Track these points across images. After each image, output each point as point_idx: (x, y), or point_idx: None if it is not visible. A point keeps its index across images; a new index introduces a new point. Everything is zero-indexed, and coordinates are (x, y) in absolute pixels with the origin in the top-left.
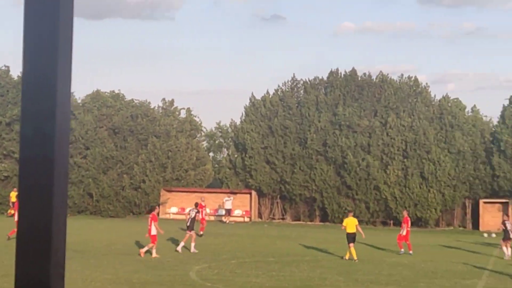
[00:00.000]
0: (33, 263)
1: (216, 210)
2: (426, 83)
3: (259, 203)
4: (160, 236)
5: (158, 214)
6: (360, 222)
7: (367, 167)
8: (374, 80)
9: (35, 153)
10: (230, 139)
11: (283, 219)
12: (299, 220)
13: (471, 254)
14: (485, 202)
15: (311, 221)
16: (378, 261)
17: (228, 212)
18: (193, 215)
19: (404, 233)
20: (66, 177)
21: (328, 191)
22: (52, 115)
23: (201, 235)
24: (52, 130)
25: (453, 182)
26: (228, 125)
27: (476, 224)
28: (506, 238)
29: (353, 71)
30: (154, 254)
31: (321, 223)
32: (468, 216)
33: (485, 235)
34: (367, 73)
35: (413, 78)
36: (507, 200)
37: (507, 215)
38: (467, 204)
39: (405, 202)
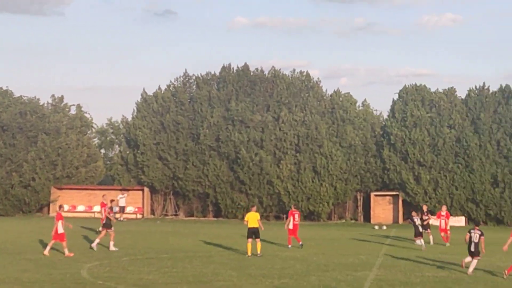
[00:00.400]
0: None
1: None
2: (318, 78)
3: (151, 199)
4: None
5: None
6: None
7: (260, 162)
8: (267, 75)
9: None
10: (121, 135)
11: (176, 215)
12: (192, 216)
13: (363, 247)
14: (376, 195)
15: (204, 216)
16: (271, 255)
17: (122, 209)
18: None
19: (291, 226)
20: None
21: (221, 187)
22: None
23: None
24: None
25: (345, 176)
26: (119, 122)
27: (367, 217)
28: (417, 234)
29: (246, 66)
30: (66, 253)
31: (215, 219)
32: (360, 209)
33: (376, 227)
34: (260, 68)
35: (305, 73)
36: (397, 193)
37: (415, 211)
38: (358, 197)
39: (298, 196)
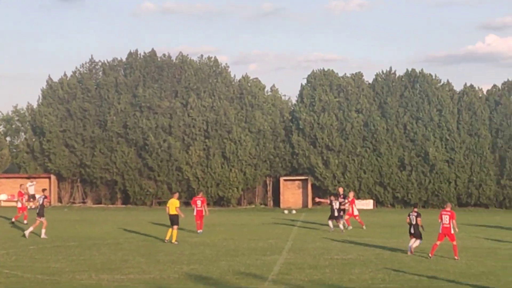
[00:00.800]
0: None
1: (14, 196)
2: (226, 64)
3: (58, 187)
4: None
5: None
6: (162, 203)
7: (169, 148)
8: (174, 61)
9: None
10: (27, 123)
11: (84, 202)
12: (100, 203)
13: (272, 231)
14: (285, 180)
15: (112, 204)
16: (180, 241)
17: (33, 197)
18: (41, 202)
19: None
20: None
21: (130, 173)
22: None
23: (13, 222)
24: None
25: (254, 161)
26: (25, 109)
27: (277, 201)
28: (332, 217)
29: (153, 52)
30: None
31: (123, 206)
32: (269, 193)
33: (286, 211)
34: (167, 54)
35: (213, 59)
36: (306, 177)
37: (335, 196)
38: (268, 182)
39: (207, 182)
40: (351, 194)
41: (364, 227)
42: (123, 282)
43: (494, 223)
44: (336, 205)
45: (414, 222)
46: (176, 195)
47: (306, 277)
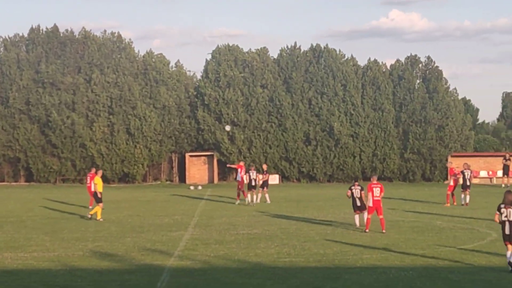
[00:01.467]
0: None
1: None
2: (130, 39)
3: None
4: None
5: None
6: (66, 180)
7: (72, 125)
8: (77, 36)
9: None
10: None
11: None
12: (3, 181)
13: (178, 207)
14: (191, 156)
15: (15, 181)
16: (85, 218)
17: None
18: None
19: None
20: None
21: (33, 151)
22: None
23: None
24: None
25: (159, 137)
26: None
27: (182, 177)
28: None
29: (55, 27)
30: None
31: (26, 183)
32: (175, 169)
33: (192, 187)
34: (70, 30)
35: (116, 34)
36: (212, 153)
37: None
38: (173, 158)
39: (112, 159)
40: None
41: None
42: (27, 260)
43: (398, 196)
44: (252, 175)
45: (358, 196)
46: (100, 172)
47: (212, 253)
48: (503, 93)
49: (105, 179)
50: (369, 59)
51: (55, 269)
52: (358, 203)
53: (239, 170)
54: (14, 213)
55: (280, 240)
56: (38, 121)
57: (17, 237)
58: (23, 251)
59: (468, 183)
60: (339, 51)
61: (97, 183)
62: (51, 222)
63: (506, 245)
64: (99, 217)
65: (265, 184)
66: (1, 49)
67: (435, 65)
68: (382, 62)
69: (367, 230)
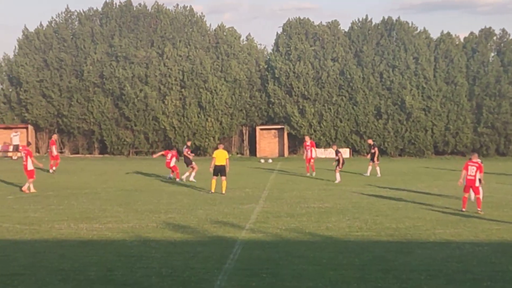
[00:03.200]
0: None
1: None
2: (201, 13)
3: (36, 137)
4: None
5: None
6: (140, 153)
7: (145, 98)
8: (150, 10)
9: None
10: (4, 73)
11: (61, 152)
12: (78, 153)
13: (249, 180)
14: (261, 129)
15: (90, 153)
16: (158, 190)
17: (16, 147)
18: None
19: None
20: None
21: (107, 123)
22: None
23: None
24: None
25: (230, 110)
26: (1, 59)
27: (253, 151)
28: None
29: (128, 1)
30: (32, 189)
31: (100, 156)
32: (246, 143)
33: (262, 161)
34: (143, 3)
35: (188, 8)
36: (282, 126)
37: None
38: (244, 131)
39: (184, 132)
40: (307, 138)
41: (314, 174)
42: (102, 231)
43: None
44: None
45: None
46: (222, 145)
47: (283, 225)
48: None
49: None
50: (442, 32)
51: (129, 240)
52: (477, 183)
53: (309, 146)
54: (89, 185)
55: (352, 214)
56: (112, 94)
57: (92, 208)
58: (98, 222)
59: None
60: (411, 24)
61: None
62: (124, 194)
63: None
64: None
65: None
66: (76, 23)
67: (510, 37)
68: (455, 35)
69: (463, 209)
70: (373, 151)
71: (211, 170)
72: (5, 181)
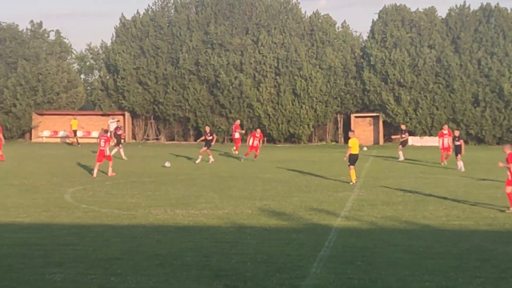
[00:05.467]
0: None
1: (89, 133)
2: (297, 0)
3: (132, 124)
4: (34, 159)
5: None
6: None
7: (240, 85)
8: None
9: None
10: (101, 60)
11: (157, 139)
12: (173, 140)
13: (344, 168)
14: (356, 117)
15: (185, 140)
16: (252, 177)
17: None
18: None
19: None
20: None
21: (202, 111)
22: None
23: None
24: None
25: (325, 98)
26: (98, 47)
27: (348, 138)
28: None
29: None
30: (110, 173)
31: (195, 143)
32: (340, 130)
33: None
34: None
35: None
36: (377, 114)
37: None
38: (338, 119)
39: (278, 119)
40: (446, 127)
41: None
42: (197, 217)
43: None
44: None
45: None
46: (353, 133)
47: (378, 214)
48: None
49: (271, 139)
50: None
51: (225, 226)
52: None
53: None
54: (184, 171)
55: (449, 203)
56: (207, 81)
57: (187, 194)
58: (193, 208)
59: None
60: (510, 10)
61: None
62: (219, 181)
63: None
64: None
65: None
66: (172, 11)
67: None
68: None
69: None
70: (404, 136)
71: (346, 159)
72: (100, 168)
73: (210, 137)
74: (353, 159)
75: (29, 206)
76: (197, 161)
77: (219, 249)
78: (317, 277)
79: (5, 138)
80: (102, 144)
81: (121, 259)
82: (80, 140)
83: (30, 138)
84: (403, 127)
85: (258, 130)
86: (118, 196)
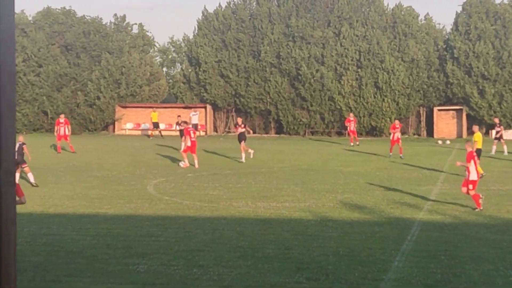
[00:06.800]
0: None
1: (171, 125)
2: None
3: (214, 116)
4: (117, 151)
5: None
6: (315, 133)
7: (321, 78)
8: None
9: None
10: (183, 53)
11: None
12: (254, 132)
13: (426, 162)
14: (439, 110)
15: (266, 133)
16: (334, 171)
17: (195, 127)
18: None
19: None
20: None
21: (283, 103)
22: None
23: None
24: None
25: (407, 91)
26: (181, 40)
27: (430, 132)
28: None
29: None
30: (196, 165)
31: (276, 135)
32: (423, 124)
33: (440, 142)
34: None
35: None
36: (460, 107)
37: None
38: (421, 112)
39: (360, 112)
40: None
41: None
42: (279, 210)
43: None
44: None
45: None
46: (477, 127)
47: (461, 208)
48: None
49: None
50: None
51: (306, 219)
52: None
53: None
54: (266, 164)
55: None
56: (288, 74)
57: (268, 187)
58: (275, 201)
59: None
60: None
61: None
62: (301, 174)
63: None
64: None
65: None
66: (254, 3)
67: None
68: None
69: None
70: (499, 129)
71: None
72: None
73: (243, 129)
74: (478, 153)
75: (112, 197)
76: (241, 160)
77: (300, 242)
78: (399, 271)
79: (89, 130)
80: (193, 135)
81: (203, 250)
82: (163, 133)
83: (114, 131)
84: (496, 120)
85: (397, 121)
86: (200, 188)
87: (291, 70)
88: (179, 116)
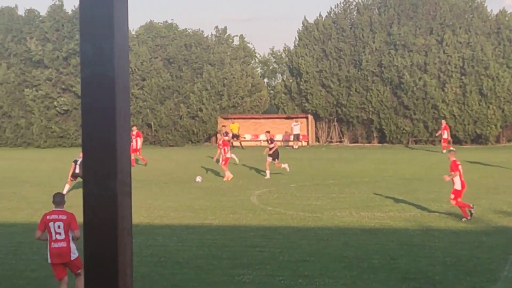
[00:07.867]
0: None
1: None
2: None
3: (316, 127)
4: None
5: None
6: (419, 141)
7: (424, 86)
8: None
9: (95, 72)
10: (284, 64)
11: (340, 141)
12: (356, 142)
13: None
14: None
15: (369, 142)
16: (438, 179)
17: (297, 137)
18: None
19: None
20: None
21: (385, 112)
22: (110, 35)
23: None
24: (111, 49)
25: None
26: (281, 51)
27: None
28: None
29: None
30: (226, 176)
31: (379, 145)
32: None
33: None
34: None
35: None
36: None
37: None
38: None
39: (464, 120)
40: None
41: None
42: (384, 219)
43: None
44: None
45: None
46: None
47: None
48: None
49: (457, 140)
50: None
51: (412, 229)
52: None
53: None
54: (369, 173)
55: None
56: (390, 83)
57: (372, 196)
58: (379, 210)
59: None
60: None
61: None
62: (404, 183)
63: None
64: None
65: None
66: (354, 12)
67: None
68: None
69: None
70: None
71: None
72: (284, 171)
73: (272, 145)
74: None
75: (216, 208)
76: (266, 177)
77: (406, 251)
78: (509, 281)
79: (191, 142)
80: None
81: (308, 261)
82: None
83: (216, 142)
84: None
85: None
86: (303, 199)
87: (393, 78)
88: (223, 126)
